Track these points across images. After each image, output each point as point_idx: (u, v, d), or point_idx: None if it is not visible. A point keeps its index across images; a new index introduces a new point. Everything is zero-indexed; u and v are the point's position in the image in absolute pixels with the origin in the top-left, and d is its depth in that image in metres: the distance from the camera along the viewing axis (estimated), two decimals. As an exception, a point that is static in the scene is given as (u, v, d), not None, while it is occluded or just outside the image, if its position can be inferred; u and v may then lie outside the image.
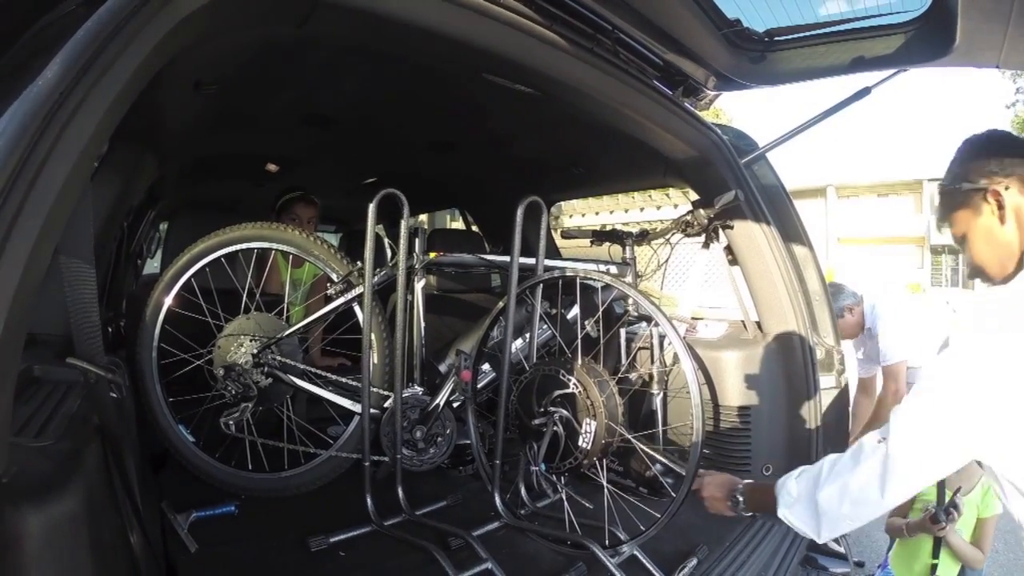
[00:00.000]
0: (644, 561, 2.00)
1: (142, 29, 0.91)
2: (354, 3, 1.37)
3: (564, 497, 2.25)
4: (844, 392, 2.70)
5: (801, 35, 2.16)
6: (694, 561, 2.04)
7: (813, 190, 33.64)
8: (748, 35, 2.20)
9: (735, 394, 2.66)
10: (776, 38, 2.21)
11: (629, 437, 2.09)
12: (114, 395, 1.41)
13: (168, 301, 2.35)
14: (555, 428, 2.10)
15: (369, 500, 2.20)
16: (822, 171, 34.06)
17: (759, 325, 2.77)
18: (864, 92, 2.27)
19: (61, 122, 0.78)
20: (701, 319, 3.04)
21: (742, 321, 2.86)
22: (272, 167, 3.65)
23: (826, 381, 2.64)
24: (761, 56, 2.26)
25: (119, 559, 1.18)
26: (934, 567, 2.29)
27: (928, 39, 1.95)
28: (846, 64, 2.16)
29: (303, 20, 1.38)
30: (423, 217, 6.62)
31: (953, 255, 33.10)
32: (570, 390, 2.09)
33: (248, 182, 3.99)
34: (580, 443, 2.05)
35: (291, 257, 2.68)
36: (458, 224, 6.63)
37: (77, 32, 0.83)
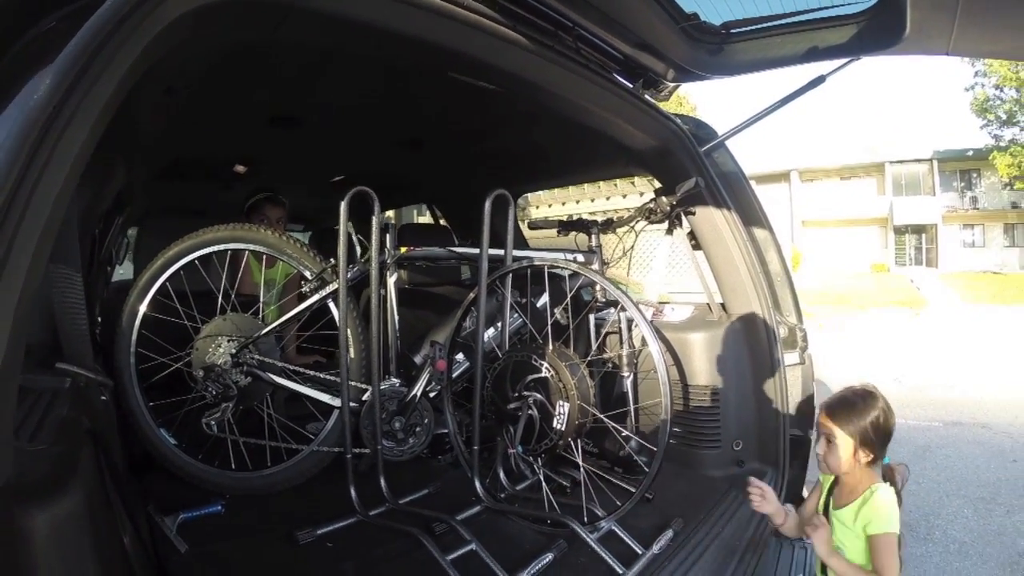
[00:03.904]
0: (622, 535, 2.08)
1: (127, 40, 0.94)
2: (326, 9, 1.40)
3: (542, 478, 2.32)
4: (808, 367, 2.80)
5: (757, 27, 2.23)
6: (670, 533, 2.11)
7: (777, 175, 34.16)
8: (705, 28, 2.27)
9: (703, 374, 2.75)
10: (733, 30, 2.28)
11: (601, 417, 2.17)
12: (104, 398, 1.44)
13: (144, 305, 2.36)
14: (530, 411, 2.18)
15: (353, 491, 2.25)
16: (785, 156, 34.53)
17: (724, 307, 2.85)
18: (819, 80, 2.35)
19: (56, 134, 0.82)
20: (667, 303, 3.12)
21: (707, 303, 2.93)
22: (240, 168, 3.64)
23: (790, 358, 2.73)
24: (719, 48, 2.33)
25: (116, 557, 1.21)
26: None
27: (879, 28, 2.01)
28: (801, 54, 2.22)
29: (276, 26, 1.41)
30: (390, 213, 6.62)
31: (916, 235, 33.77)
32: (543, 374, 2.17)
33: (217, 184, 3.96)
34: (555, 425, 2.14)
35: (263, 257, 2.70)
36: (424, 219, 6.65)
37: (67, 46, 0.86)
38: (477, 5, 1.67)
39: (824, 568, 2.08)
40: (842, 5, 2.09)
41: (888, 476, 2.00)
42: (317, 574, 1.92)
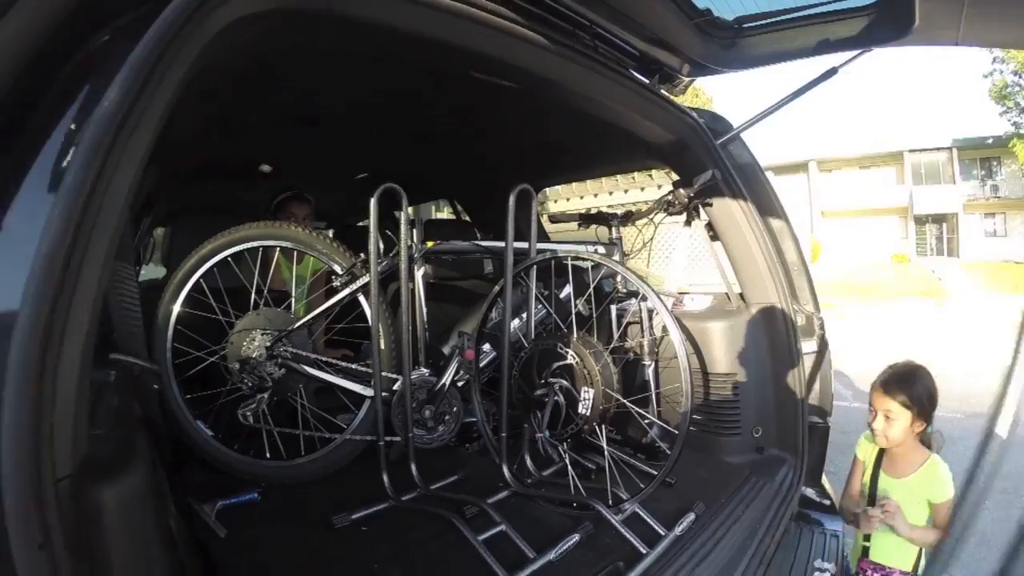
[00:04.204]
0: (646, 517, 2.14)
1: (184, 47, 1.01)
2: (359, 16, 1.47)
3: (568, 462, 2.40)
4: (825, 355, 2.84)
5: (769, 21, 2.28)
6: (692, 516, 2.17)
7: (795, 165, 33.86)
8: (719, 23, 2.32)
9: (722, 362, 2.81)
10: (745, 25, 2.33)
11: (624, 402, 2.24)
12: (156, 387, 1.52)
13: (179, 301, 2.44)
14: (556, 397, 2.25)
15: (385, 478, 2.33)
16: (804, 146, 34.20)
17: (742, 296, 2.91)
18: (831, 72, 2.39)
19: (125, 137, 0.89)
20: (687, 293, 3.17)
21: (726, 293, 2.99)
22: (266, 168, 3.73)
23: (807, 346, 2.78)
24: (732, 42, 2.39)
25: (168, 536, 1.29)
26: (866, 549, 2.31)
27: (889, 20, 2.05)
28: (812, 46, 2.27)
29: (313, 32, 1.48)
30: (409, 208, 6.69)
31: (936, 224, 33.35)
32: (568, 361, 2.24)
33: (242, 183, 4.03)
34: (580, 410, 2.21)
35: (292, 253, 2.79)
36: (443, 214, 6.72)
37: (131, 53, 0.92)
38: (499, 8, 1.73)
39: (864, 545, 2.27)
40: (851, -2, 2.13)
41: (927, 443, 2.23)
42: (353, 556, 1.98)
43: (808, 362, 2.77)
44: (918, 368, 2.23)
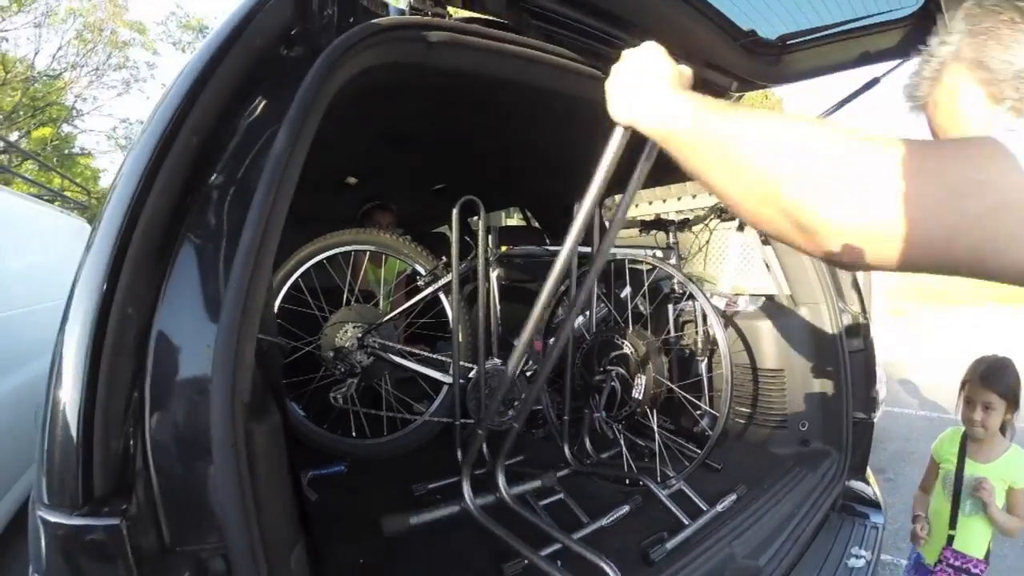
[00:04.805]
0: (690, 494, 2.37)
1: (319, 103, 1.32)
2: (450, 65, 1.74)
3: (623, 443, 2.64)
4: (870, 354, 2.98)
5: (811, 37, 2.39)
6: (733, 496, 2.38)
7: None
8: (763, 42, 2.47)
9: (772, 358, 3.00)
10: (788, 42, 2.47)
11: (674, 388, 2.48)
12: (282, 361, 1.82)
13: (280, 298, 2.73)
14: (612, 383, 2.50)
15: (460, 454, 2.62)
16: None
17: (792, 297, 3.06)
18: (873, 82, 2.49)
19: (289, 170, 1.20)
20: (741, 294, 3.34)
21: (777, 294, 3.14)
22: (352, 179, 4.04)
23: (853, 344, 2.91)
24: (776, 59, 2.53)
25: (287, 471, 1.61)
26: (951, 538, 2.43)
27: (925, 32, 2.15)
28: (855, 59, 2.37)
29: (411, 77, 1.77)
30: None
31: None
32: (624, 351, 2.49)
33: (329, 193, 4.33)
34: (633, 394, 2.45)
35: (378, 257, 3.05)
36: (512, 221, 6.97)
37: (287, 114, 1.23)
38: (564, 51, 1.98)
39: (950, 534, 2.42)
40: (888, 12, 2.15)
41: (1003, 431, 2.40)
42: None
43: (853, 360, 2.89)
44: (1008, 360, 2.42)
